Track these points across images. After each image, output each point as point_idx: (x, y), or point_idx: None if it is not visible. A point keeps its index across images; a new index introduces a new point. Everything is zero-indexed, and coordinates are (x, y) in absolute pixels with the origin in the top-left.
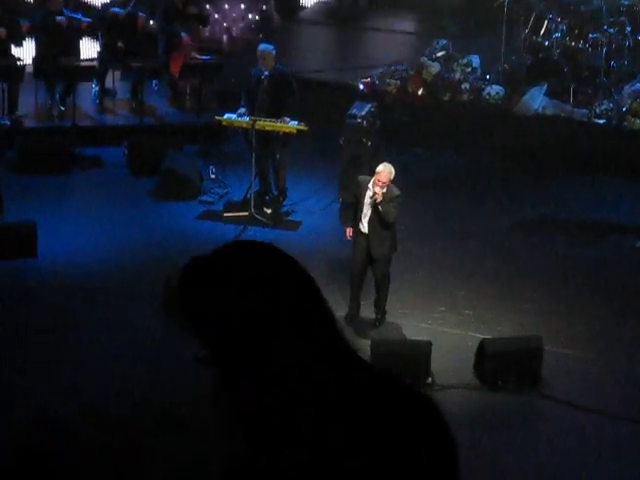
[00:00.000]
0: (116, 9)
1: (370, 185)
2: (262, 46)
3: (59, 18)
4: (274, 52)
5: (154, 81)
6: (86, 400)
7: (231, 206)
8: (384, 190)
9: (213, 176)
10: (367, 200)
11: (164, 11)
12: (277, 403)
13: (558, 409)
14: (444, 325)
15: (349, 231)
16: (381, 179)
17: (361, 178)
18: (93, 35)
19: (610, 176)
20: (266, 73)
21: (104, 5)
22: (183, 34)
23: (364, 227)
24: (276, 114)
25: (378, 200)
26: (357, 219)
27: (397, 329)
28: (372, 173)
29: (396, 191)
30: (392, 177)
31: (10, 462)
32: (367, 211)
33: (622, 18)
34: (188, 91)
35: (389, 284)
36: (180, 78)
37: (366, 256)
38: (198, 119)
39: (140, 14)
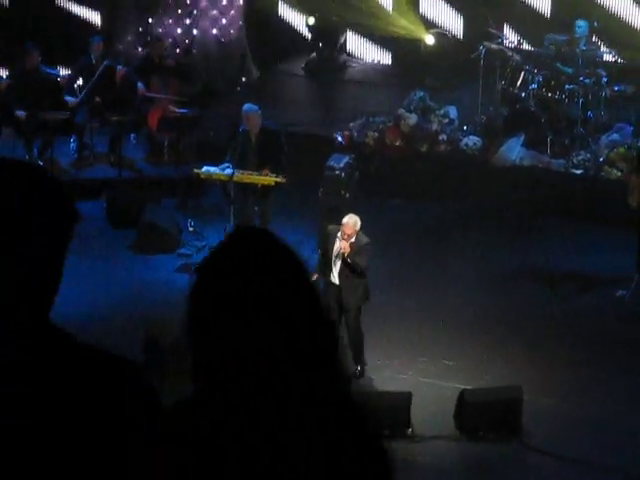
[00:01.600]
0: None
1: (339, 235)
2: (247, 107)
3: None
4: (259, 112)
5: (132, 134)
6: None
7: None
8: (352, 240)
9: (192, 229)
10: (335, 251)
11: (140, 63)
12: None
13: (539, 459)
14: (424, 376)
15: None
16: (346, 231)
17: (330, 228)
18: (70, 90)
19: (589, 226)
20: (243, 127)
21: (82, 60)
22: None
23: (335, 277)
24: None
25: (346, 254)
26: (327, 269)
27: (377, 380)
28: None
29: (365, 239)
30: (358, 227)
31: None
32: (337, 261)
33: (598, 69)
34: (166, 144)
35: (363, 335)
36: (158, 131)
37: (337, 306)
38: (176, 172)
39: (118, 67)
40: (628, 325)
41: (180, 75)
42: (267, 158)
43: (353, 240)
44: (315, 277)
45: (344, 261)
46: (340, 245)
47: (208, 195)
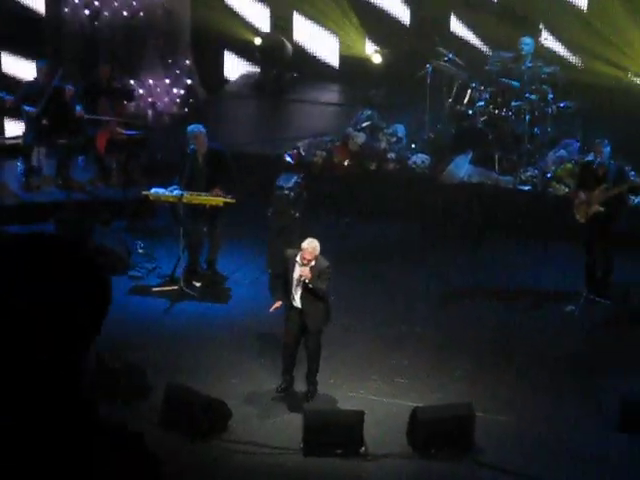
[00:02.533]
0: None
1: (298, 259)
2: (192, 127)
3: None
4: (204, 131)
5: (80, 157)
6: None
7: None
8: (312, 264)
9: (141, 250)
10: (296, 276)
11: (87, 85)
12: None
13: (491, 476)
14: (376, 394)
15: (276, 305)
16: (306, 256)
17: (289, 252)
18: (16, 112)
19: (537, 242)
20: (192, 148)
21: (28, 83)
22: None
23: (296, 301)
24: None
25: (307, 281)
26: (288, 293)
27: (330, 400)
28: (300, 244)
29: (325, 263)
30: (317, 252)
31: None
32: (298, 286)
33: (544, 86)
34: (114, 166)
35: (320, 356)
36: (106, 153)
37: (299, 329)
38: (125, 194)
39: (67, 87)
40: (578, 340)
41: (127, 97)
42: (215, 179)
43: (313, 264)
44: (279, 304)
45: (305, 286)
46: (300, 271)
47: (157, 217)
